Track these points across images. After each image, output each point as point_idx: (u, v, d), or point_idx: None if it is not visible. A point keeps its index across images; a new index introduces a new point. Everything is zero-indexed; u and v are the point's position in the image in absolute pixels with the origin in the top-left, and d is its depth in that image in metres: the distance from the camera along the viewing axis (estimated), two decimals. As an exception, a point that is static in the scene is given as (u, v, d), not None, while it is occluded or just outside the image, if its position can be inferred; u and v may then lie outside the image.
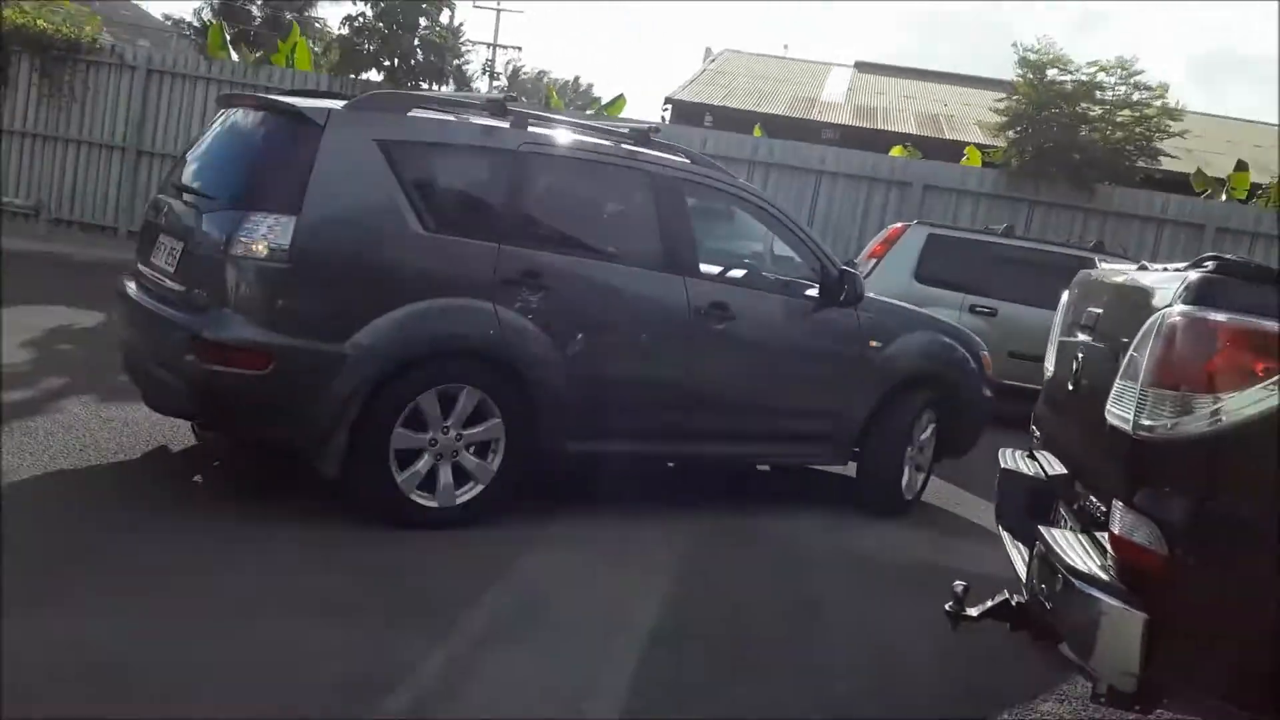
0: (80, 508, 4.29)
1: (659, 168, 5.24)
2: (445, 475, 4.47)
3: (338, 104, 4.60)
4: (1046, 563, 2.71)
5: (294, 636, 3.34)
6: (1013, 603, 3.27)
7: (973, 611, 3.30)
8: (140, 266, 4.92)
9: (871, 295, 5.92)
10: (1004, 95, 14.21)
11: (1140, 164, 13.40)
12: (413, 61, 14.46)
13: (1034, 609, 3.08)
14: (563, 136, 5.07)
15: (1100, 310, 3.19)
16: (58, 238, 12.86)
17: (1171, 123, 13.36)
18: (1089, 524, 2.80)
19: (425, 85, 14.60)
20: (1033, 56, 13.61)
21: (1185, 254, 12.68)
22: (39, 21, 14.08)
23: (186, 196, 4.71)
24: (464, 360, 4.52)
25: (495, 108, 4.99)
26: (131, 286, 4.88)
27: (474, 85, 18.36)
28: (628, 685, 3.33)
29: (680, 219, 5.24)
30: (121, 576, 3.63)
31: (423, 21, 14.46)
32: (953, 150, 16.21)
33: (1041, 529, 2.83)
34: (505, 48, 45.83)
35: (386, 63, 14.45)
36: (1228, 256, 2.52)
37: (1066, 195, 13.02)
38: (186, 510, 4.47)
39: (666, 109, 21.46)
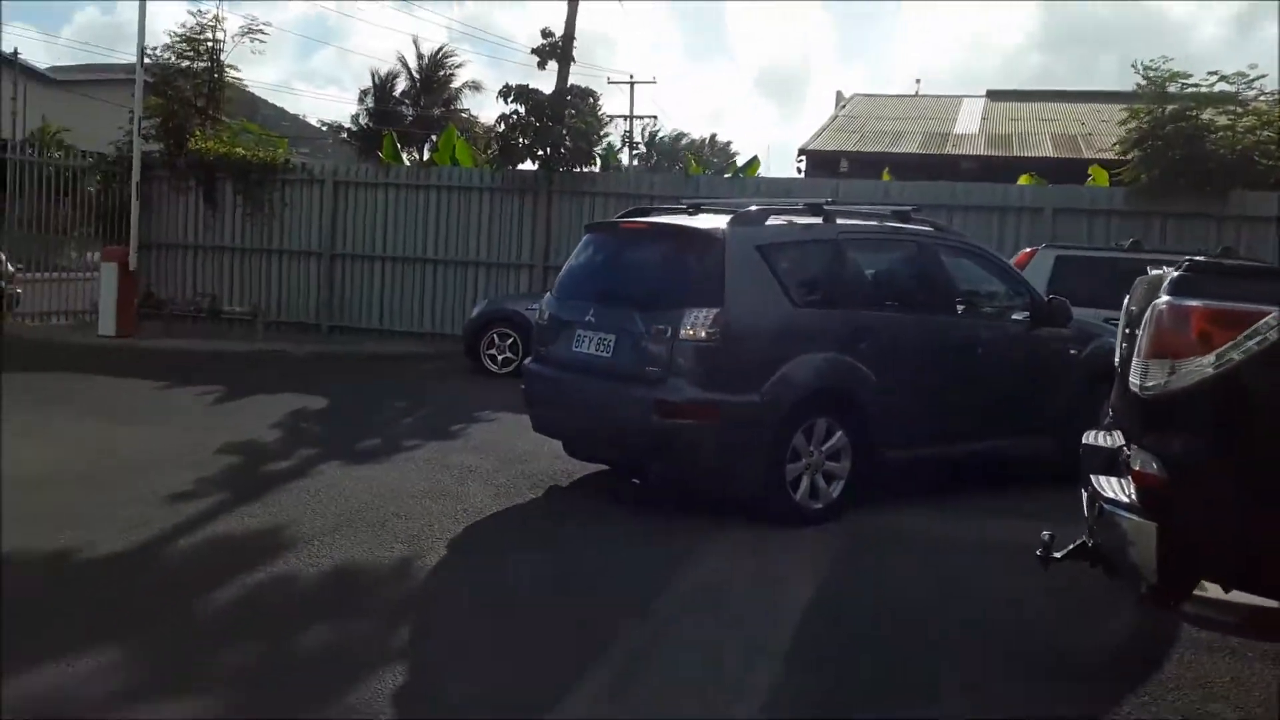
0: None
1: (922, 237, 7.07)
2: (820, 482, 6.14)
3: (718, 221, 6.32)
4: (1093, 501, 3.57)
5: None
6: (1089, 544, 4.10)
7: (1058, 554, 4.14)
8: (553, 352, 6.71)
9: None
10: (1129, 114, 14.48)
11: (1273, 164, 13.48)
12: (562, 150, 15.88)
13: (1099, 545, 3.91)
14: (860, 223, 6.96)
15: (1135, 307, 4.02)
16: (273, 337, 14.76)
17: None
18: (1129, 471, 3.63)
19: (576, 169, 16.01)
20: (1152, 74, 13.97)
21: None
22: (237, 149, 16.26)
23: (610, 303, 6.40)
24: (826, 397, 6.20)
25: (813, 209, 6.70)
26: (547, 370, 6.69)
27: (619, 158, 19.83)
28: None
29: (941, 274, 7.05)
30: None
31: (570, 112, 15.92)
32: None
33: (1091, 476, 3.69)
34: (641, 118, 47.67)
35: (540, 153, 15.93)
36: (1200, 258, 3.37)
37: (1198, 204, 13.26)
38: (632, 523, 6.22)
39: (801, 160, 22.40)
